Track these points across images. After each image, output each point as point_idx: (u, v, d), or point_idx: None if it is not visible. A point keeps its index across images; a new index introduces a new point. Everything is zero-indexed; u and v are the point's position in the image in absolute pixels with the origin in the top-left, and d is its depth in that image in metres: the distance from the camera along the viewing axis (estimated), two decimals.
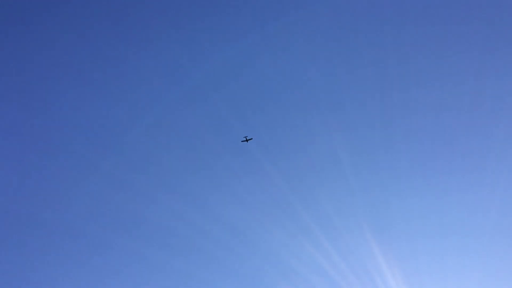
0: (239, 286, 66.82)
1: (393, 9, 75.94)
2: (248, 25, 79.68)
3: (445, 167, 70.54)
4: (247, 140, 69.06)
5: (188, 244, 70.37)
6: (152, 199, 72.22)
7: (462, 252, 66.29)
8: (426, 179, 71.35)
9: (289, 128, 76.18)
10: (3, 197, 69.73)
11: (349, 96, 76.11)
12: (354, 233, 68.74)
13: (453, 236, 67.57)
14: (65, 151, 73.95)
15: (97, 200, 72.02)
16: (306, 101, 76.52)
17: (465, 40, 72.41)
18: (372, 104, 74.45)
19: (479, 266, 65.53)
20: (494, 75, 70.68)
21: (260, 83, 79.06)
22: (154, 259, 68.74)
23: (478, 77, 71.28)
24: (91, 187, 72.15)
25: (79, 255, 68.52)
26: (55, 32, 77.64)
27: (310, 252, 67.69)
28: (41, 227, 69.49)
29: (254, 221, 70.62)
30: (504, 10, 71.82)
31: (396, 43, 75.52)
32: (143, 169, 74.51)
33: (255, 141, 70.22)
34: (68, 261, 68.10)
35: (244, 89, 78.80)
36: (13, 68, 75.35)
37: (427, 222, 69.40)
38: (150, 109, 77.22)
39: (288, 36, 78.57)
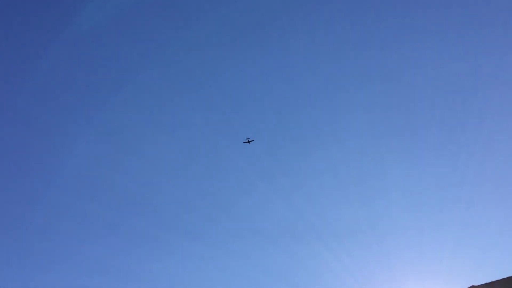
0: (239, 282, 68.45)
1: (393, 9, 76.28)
2: (250, 27, 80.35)
3: (445, 167, 71.13)
4: (248, 142, 69.84)
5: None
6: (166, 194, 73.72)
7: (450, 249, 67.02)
8: (426, 179, 72.07)
9: (291, 129, 77.02)
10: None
11: (350, 96, 76.75)
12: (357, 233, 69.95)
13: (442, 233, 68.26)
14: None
15: (113, 194, 73.97)
16: (308, 102, 77.25)
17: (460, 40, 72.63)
18: (372, 105, 75.09)
19: (479, 266, 66.39)
20: (494, 76, 71.08)
21: (261, 85, 79.87)
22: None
23: (476, 75, 71.61)
24: (108, 184, 74.09)
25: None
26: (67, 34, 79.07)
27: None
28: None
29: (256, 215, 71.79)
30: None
31: (399, 43, 75.90)
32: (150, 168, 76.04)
33: (257, 142, 71.07)
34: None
35: (245, 90, 79.65)
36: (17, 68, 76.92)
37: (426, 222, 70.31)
38: (152, 111, 78.50)
39: (290, 37, 79.18)
